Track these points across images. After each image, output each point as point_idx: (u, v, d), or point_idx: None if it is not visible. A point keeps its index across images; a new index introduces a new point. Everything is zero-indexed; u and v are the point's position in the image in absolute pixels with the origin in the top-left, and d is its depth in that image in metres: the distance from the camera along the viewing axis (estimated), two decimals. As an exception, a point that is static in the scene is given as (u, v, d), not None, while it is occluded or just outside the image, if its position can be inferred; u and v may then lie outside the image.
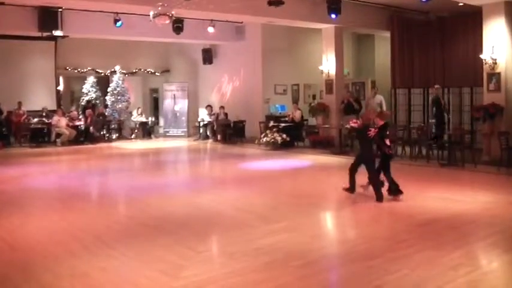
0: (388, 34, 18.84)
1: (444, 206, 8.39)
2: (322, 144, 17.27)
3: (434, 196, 9.27)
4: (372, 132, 8.86)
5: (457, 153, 13.10)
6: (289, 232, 6.94)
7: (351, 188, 9.16)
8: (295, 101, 20.06)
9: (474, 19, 15.22)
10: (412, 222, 7.34)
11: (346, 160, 14.28)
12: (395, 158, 14.27)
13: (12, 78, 20.50)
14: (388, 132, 9.25)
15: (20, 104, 19.70)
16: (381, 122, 9.10)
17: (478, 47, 14.59)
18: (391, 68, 18.75)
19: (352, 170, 9.16)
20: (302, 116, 18.66)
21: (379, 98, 17.20)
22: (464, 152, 13.04)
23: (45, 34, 16.59)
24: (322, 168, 13.50)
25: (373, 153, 9.24)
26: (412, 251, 5.96)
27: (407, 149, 14.64)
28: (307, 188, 9.92)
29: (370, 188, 9.12)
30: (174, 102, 23.36)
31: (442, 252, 5.86)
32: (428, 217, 7.63)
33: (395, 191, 8.94)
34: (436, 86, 15.81)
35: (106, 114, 21.73)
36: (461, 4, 14.24)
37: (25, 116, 19.75)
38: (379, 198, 8.74)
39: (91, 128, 20.56)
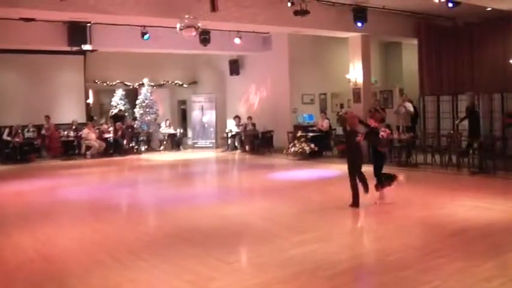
0: (415, 41, 18.70)
1: (475, 214, 8.27)
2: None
3: (465, 205, 9.15)
4: (359, 138, 9.09)
5: (488, 161, 12.90)
6: (318, 242, 6.91)
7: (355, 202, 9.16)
8: (323, 110, 20.01)
9: (503, 24, 15.07)
10: (443, 232, 7.22)
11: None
12: (423, 166, 14.20)
13: (42, 92, 20.89)
14: (381, 132, 9.33)
15: (47, 118, 19.89)
16: (372, 123, 9.33)
17: (508, 52, 14.42)
18: (419, 75, 18.60)
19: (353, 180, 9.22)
20: (330, 125, 18.58)
21: (409, 105, 17.02)
22: (496, 159, 12.83)
23: (74, 48, 16.84)
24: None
25: (362, 157, 9.38)
26: (444, 261, 5.87)
27: (437, 157, 14.45)
28: (336, 198, 9.86)
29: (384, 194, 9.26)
30: (202, 113, 23.51)
31: (474, 263, 5.76)
32: (459, 226, 7.51)
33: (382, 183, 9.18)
34: (469, 94, 15.62)
35: (135, 126, 21.97)
36: (489, 9, 14.08)
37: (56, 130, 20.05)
38: (356, 203, 9.04)
39: (124, 140, 20.82)
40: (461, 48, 17.60)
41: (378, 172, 9.27)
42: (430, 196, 10.10)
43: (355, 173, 9.16)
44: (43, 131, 19.72)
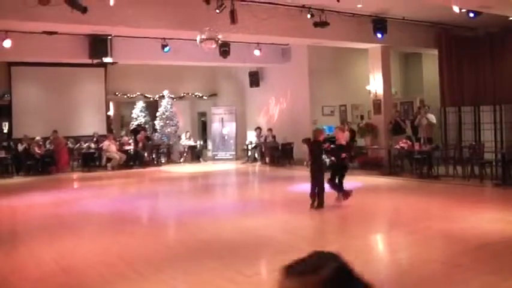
0: (436, 52, 18.56)
1: (500, 228, 8.10)
2: (371, 165, 17.01)
3: (489, 218, 8.98)
4: (326, 146, 10.87)
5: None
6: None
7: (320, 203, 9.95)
8: (344, 122, 19.86)
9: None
10: (467, 245, 7.06)
11: (396, 181, 14.08)
12: (445, 178, 14.03)
13: (64, 104, 21.15)
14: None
15: (54, 132, 19.58)
16: (342, 142, 11.17)
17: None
18: (440, 86, 18.43)
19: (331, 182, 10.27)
20: (352, 136, 18.40)
21: (431, 116, 16.87)
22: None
23: (95, 61, 16.98)
24: (371, 189, 13.21)
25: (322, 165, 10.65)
26: (469, 275, 5.73)
27: (459, 168, 14.27)
28: (357, 210, 9.76)
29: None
30: (222, 125, 23.53)
31: (501, 278, 5.62)
32: (484, 240, 7.35)
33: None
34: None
35: (155, 138, 22.10)
36: (511, 18, 13.92)
37: (64, 143, 19.93)
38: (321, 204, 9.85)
39: (145, 152, 20.94)
40: (483, 59, 17.41)
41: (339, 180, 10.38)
42: (452, 208, 9.94)
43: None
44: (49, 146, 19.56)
